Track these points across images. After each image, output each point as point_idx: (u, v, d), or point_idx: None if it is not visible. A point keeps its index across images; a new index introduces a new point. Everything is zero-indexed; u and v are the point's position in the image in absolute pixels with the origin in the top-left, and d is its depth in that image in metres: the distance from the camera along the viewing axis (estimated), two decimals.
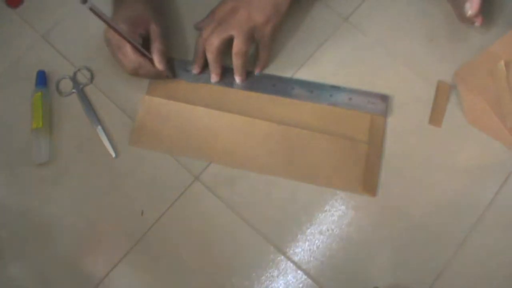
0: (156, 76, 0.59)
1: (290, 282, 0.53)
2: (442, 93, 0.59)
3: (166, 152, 0.58)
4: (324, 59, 0.62)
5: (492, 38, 0.60)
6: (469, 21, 0.58)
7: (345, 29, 0.63)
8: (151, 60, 0.57)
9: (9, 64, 0.64)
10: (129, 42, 0.54)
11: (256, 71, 0.61)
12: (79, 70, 0.63)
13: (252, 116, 0.58)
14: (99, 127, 0.59)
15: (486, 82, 0.57)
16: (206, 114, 0.59)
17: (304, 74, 0.61)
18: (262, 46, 0.59)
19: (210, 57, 0.57)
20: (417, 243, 0.54)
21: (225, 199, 0.56)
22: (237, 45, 0.56)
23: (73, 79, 0.62)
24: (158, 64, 0.57)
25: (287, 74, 0.61)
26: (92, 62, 0.63)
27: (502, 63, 0.56)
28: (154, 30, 0.57)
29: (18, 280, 0.55)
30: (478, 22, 0.58)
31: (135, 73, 0.57)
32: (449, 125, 0.58)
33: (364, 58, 0.61)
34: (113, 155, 0.58)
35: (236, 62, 0.57)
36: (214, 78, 0.60)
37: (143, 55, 0.56)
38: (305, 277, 0.53)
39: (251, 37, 0.56)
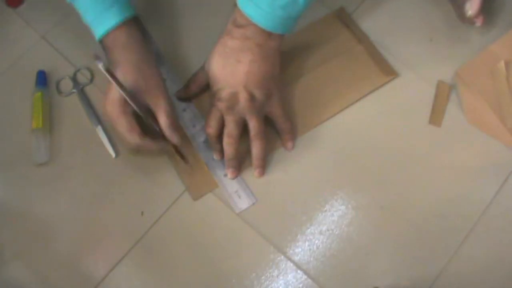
0: (161, 151, 0.57)
1: (290, 282, 0.53)
2: (442, 93, 0.59)
3: None
4: None
5: (492, 38, 0.60)
6: (469, 21, 0.58)
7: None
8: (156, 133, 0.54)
9: (9, 64, 0.64)
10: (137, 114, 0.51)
11: (289, 147, 0.57)
12: (79, 70, 0.63)
13: None
14: (99, 127, 0.59)
15: (486, 82, 0.57)
16: None
17: None
18: (279, 120, 0.56)
19: (230, 151, 0.54)
20: (417, 243, 0.54)
21: (224, 199, 0.56)
22: (255, 127, 0.53)
23: (73, 79, 0.62)
24: (171, 137, 0.53)
25: None
26: (92, 62, 0.63)
27: (502, 63, 0.56)
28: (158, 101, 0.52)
29: (18, 280, 0.55)
30: (479, 22, 0.58)
31: (138, 150, 0.57)
32: (449, 125, 0.58)
33: None
34: (113, 155, 0.58)
35: (258, 143, 0.54)
36: (232, 174, 0.56)
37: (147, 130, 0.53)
38: (305, 277, 0.53)
39: (263, 115, 0.55)
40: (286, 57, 0.59)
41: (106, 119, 0.54)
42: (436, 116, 0.58)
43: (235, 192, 0.56)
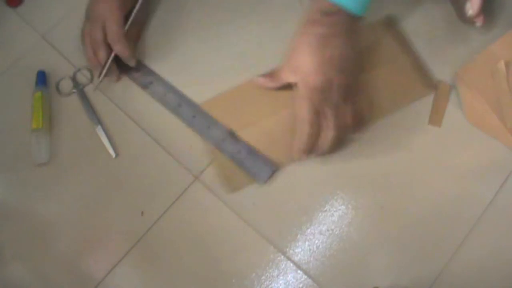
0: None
1: (290, 282, 0.53)
2: (442, 93, 0.59)
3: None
4: None
5: (492, 38, 0.59)
6: (469, 21, 0.58)
7: None
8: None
9: (9, 64, 0.64)
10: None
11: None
12: (79, 70, 0.63)
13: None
14: (99, 127, 0.59)
15: (486, 82, 0.57)
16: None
17: None
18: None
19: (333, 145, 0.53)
20: (417, 243, 0.54)
21: (225, 199, 0.56)
22: (350, 114, 0.53)
23: (73, 79, 0.62)
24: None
25: None
26: None
27: (502, 63, 0.56)
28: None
29: (18, 280, 0.55)
30: (479, 22, 0.58)
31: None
32: (449, 125, 0.58)
33: None
34: (113, 155, 0.58)
35: (342, 133, 0.53)
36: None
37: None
38: (305, 277, 0.53)
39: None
40: None
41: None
42: (436, 116, 0.58)
43: (253, 168, 0.56)
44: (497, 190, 0.55)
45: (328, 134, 0.52)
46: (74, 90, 0.62)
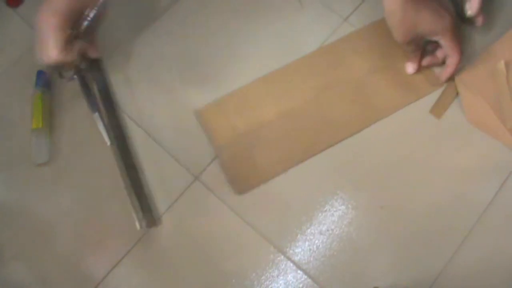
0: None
1: (290, 282, 0.53)
2: (451, 89, 0.59)
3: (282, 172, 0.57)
4: None
5: (492, 38, 0.60)
6: (469, 21, 0.58)
7: (345, 29, 0.63)
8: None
9: (9, 64, 0.64)
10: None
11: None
12: None
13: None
14: (97, 114, 0.59)
15: (486, 82, 0.57)
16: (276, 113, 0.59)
17: None
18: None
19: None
20: (417, 243, 0.54)
21: (225, 199, 0.56)
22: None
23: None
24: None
25: None
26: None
27: (502, 63, 0.56)
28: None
29: (18, 280, 0.55)
30: (479, 22, 0.58)
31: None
32: (449, 125, 0.58)
33: None
34: (108, 142, 0.58)
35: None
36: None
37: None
38: (305, 277, 0.53)
39: None
40: (333, 61, 0.61)
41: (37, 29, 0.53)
42: (438, 108, 0.58)
43: None
44: (497, 190, 0.55)
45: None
46: (74, 76, 0.62)
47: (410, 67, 0.59)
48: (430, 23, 0.54)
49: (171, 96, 0.61)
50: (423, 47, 0.58)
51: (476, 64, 0.58)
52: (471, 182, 0.56)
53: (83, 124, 0.60)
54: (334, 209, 0.56)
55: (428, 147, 0.57)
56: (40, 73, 0.62)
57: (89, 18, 0.55)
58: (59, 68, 0.57)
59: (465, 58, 0.59)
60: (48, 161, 0.59)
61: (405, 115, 0.58)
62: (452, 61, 0.57)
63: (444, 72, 0.58)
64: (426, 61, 0.59)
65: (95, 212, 0.57)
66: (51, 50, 0.53)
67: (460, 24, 0.60)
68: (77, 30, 0.55)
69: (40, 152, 0.58)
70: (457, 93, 0.59)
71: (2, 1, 0.67)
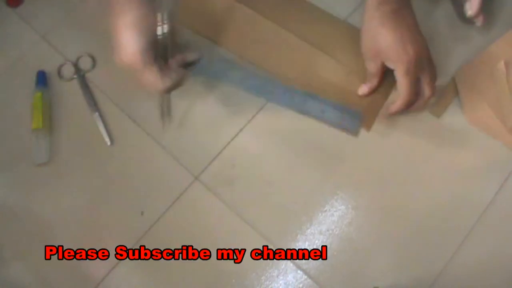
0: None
1: (290, 282, 0.53)
2: (451, 88, 0.59)
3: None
4: None
5: (492, 38, 0.60)
6: (469, 21, 0.58)
7: None
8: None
9: (9, 64, 0.64)
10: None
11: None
12: (81, 56, 0.63)
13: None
14: (96, 114, 0.59)
15: (486, 82, 0.57)
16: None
17: None
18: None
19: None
20: (417, 243, 0.54)
21: (225, 199, 0.56)
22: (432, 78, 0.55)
23: (75, 65, 0.63)
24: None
25: None
26: (95, 50, 0.63)
27: (502, 63, 0.56)
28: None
29: (18, 280, 0.55)
30: (479, 22, 0.58)
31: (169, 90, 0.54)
32: (449, 125, 0.58)
33: None
34: (108, 142, 0.59)
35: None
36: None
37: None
38: (305, 277, 0.53)
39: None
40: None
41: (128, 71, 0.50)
42: (438, 107, 0.58)
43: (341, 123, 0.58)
44: (497, 190, 0.55)
45: (426, 97, 0.55)
46: (75, 76, 0.62)
47: (363, 88, 0.58)
48: (389, 44, 0.52)
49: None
50: (382, 75, 0.57)
51: (476, 64, 0.58)
52: (471, 182, 0.56)
53: (83, 124, 0.60)
54: (334, 209, 0.56)
55: (428, 147, 0.57)
56: (40, 73, 0.62)
57: (164, 33, 0.51)
58: (176, 87, 0.54)
59: (465, 58, 0.59)
60: (48, 161, 0.59)
61: (404, 115, 0.58)
62: (398, 102, 0.55)
63: (390, 107, 0.56)
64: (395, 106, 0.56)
65: (95, 212, 0.57)
66: (157, 85, 0.51)
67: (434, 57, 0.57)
68: (162, 51, 0.52)
69: (40, 152, 0.58)
70: (457, 93, 0.59)
71: (2, 1, 0.67)
